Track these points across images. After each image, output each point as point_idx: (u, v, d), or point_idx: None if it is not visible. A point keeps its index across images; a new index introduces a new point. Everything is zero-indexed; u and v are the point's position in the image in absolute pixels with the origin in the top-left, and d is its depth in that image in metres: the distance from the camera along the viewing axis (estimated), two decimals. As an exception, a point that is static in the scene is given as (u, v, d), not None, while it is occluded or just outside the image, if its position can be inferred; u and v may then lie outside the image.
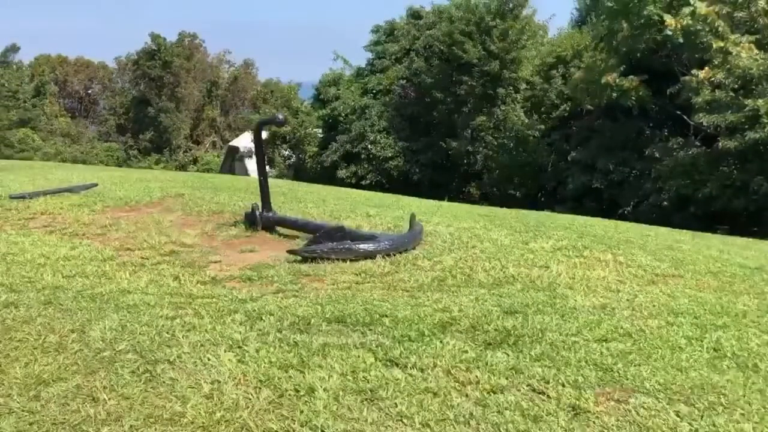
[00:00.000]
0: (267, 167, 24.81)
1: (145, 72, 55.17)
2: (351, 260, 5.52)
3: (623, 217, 15.19)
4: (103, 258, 5.61)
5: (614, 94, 17.23)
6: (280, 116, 6.49)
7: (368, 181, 23.30)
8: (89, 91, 65.02)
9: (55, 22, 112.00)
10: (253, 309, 4.20)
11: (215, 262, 5.73)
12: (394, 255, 5.70)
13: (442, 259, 5.61)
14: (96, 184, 9.48)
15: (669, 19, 15.39)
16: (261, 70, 61.74)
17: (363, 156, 24.36)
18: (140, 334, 3.70)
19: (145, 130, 55.48)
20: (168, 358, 3.37)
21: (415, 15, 27.79)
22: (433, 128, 24.31)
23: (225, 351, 3.49)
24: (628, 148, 18.47)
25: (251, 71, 61.97)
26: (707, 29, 14.87)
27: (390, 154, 23.92)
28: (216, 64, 60.75)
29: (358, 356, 3.46)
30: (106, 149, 54.35)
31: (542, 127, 22.39)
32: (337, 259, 5.50)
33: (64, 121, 59.00)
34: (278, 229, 6.95)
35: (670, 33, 15.32)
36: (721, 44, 14.96)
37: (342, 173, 24.19)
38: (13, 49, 60.06)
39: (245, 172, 38.65)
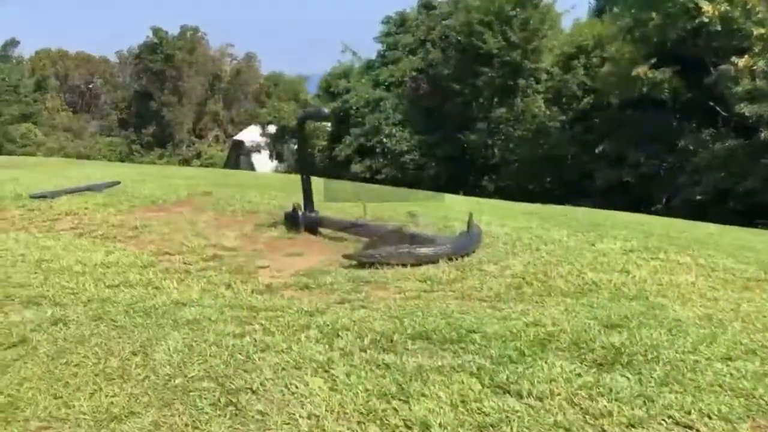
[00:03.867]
0: (274, 162, 24.40)
1: (147, 66, 54.60)
2: (412, 265, 5.11)
3: (657, 213, 14.76)
4: (143, 264, 5.21)
5: (645, 87, 16.75)
6: (325, 110, 6.08)
7: (383, 176, 22.79)
8: (90, 86, 64.40)
9: (55, 16, 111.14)
10: (326, 323, 3.80)
11: (263, 267, 5.34)
12: (456, 259, 5.30)
13: (510, 264, 5.20)
14: (118, 182, 9.07)
15: (706, 6, 14.85)
16: (263, 64, 60.92)
17: (378, 150, 23.81)
18: (211, 356, 3.30)
19: (148, 125, 54.96)
20: (250, 386, 2.98)
21: (427, 5, 27.19)
22: (449, 121, 23.76)
23: (311, 375, 3.10)
24: (658, 141, 17.97)
25: (253, 64, 61.36)
26: (746, 16, 14.34)
27: (406, 148, 23.35)
28: (218, 57, 60.16)
29: (462, 381, 3.06)
30: (109, 144, 53.91)
31: (563, 118, 21.89)
32: (398, 264, 5.10)
33: (66, 116, 58.50)
34: (321, 230, 6.55)
35: (706, 20, 14.79)
36: (762, 31, 14.42)
37: (356, 168, 23.64)
38: (13, 43, 59.58)
39: (251, 167, 38.24)
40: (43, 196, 8.04)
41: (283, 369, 3.17)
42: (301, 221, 6.47)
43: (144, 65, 55.15)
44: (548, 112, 22.16)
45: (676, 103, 17.95)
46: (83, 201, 7.90)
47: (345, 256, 5.27)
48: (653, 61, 17.44)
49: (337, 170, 22.44)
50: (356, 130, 24.40)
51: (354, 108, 25.34)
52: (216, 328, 3.68)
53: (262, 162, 31.69)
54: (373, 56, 28.34)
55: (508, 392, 2.99)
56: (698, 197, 15.96)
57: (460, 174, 22.95)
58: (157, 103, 53.95)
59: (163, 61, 53.78)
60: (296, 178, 12.68)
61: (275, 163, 30.06)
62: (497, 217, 7.23)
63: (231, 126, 58.13)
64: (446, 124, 23.94)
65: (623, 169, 18.39)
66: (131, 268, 5.04)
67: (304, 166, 6.74)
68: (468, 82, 23.03)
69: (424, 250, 5.17)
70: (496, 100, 22.96)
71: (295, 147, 29.26)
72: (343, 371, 3.14)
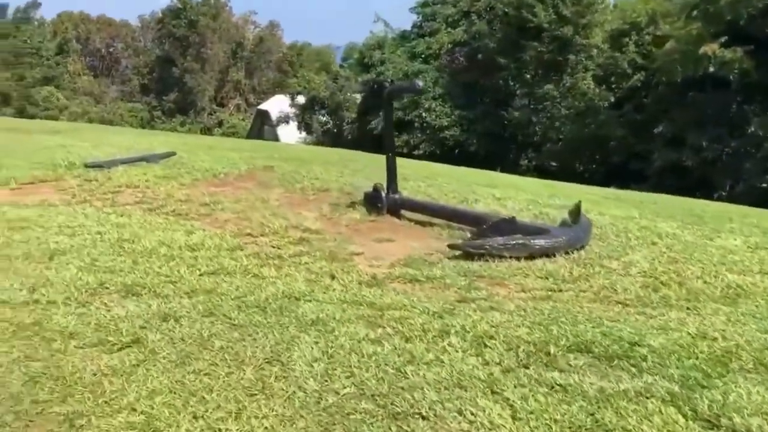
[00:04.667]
0: (302, 133, 23.88)
1: (170, 31, 53.96)
2: (525, 258, 4.66)
3: (720, 200, 14.16)
4: (230, 247, 4.79)
5: (712, 66, 15.95)
6: (419, 83, 5.55)
7: (421, 151, 22.07)
8: (111, 50, 63.83)
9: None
10: (464, 329, 3.37)
11: (357, 254, 4.90)
12: (571, 252, 4.83)
13: (632, 260, 4.73)
14: (174, 153, 8.65)
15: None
16: (286, 33, 60.11)
17: (416, 124, 23.02)
18: (355, 367, 2.87)
19: (169, 91, 54.48)
20: (418, 411, 2.55)
21: (470, -25, 26.12)
22: (490, 96, 22.96)
23: (481, 397, 2.66)
24: (720, 123, 17.17)
25: (276, 33, 60.53)
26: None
27: (446, 123, 22.55)
28: (241, 24, 59.37)
29: (660, 411, 2.63)
30: (130, 110, 53.51)
31: (612, 97, 21.07)
32: (511, 257, 4.64)
33: (87, 80, 58.17)
34: (404, 213, 6.09)
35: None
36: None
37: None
38: (34, 5, 58.98)
39: (275, 138, 37.71)
40: (99, 166, 7.63)
41: (446, 388, 2.74)
42: (385, 203, 6.01)
43: (167, 30, 54.51)
44: (597, 90, 21.31)
45: (740, 85, 17.12)
46: (141, 172, 7.49)
47: (451, 246, 4.81)
48: (723, 39, 16.60)
49: (373, 144, 21.70)
50: (394, 103, 23.55)
51: (388, 80, 24.59)
52: (346, 331, 3.25)
53: (289, 133, 31.10)
54: (408, 27, 27.46)
55: (718, 427, 2.55)
56: (765, 185, 15.24)
57: (500, 151, 22.18)
58: (180, 70, 53.42)
59: (186, 27, 53.13)
60: (346, 153, 12.24)
61: (303, 134, 29.48)
62: (588, 204, 6.72)
63: (253, 95, 57.57)
64: (487, 100, 23.13)
65: (683, 152, 17.58)
66: (220, 252, 4.62)
67: (390, 143, 6.24)
68: (513, 57, 22.15)
69: (540, 242, 4.71)
70: (542, 75, 22.04)
71: (324, 119, 28.78)
72: (516, 394, 2.71)
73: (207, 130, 51.52)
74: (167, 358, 2.89)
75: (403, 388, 2.72)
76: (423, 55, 25.76)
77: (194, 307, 3.48)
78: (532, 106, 22.20)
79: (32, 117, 42.97)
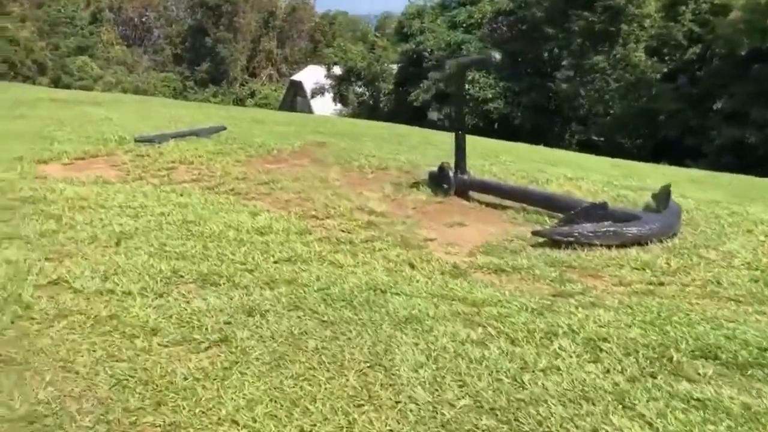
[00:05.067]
0: (338, 105, 23.48)
1: (203, 0, 53.57)
2: (616, 246, 4.34)
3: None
4: (299, 231, 4.54)
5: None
6: (496, 56, 5.20)
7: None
8: (143, 19, 63.74)
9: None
10: (570, 328, 3.09)
11: (430, 240, 4.62)
12: (664, 241, 4.50)
13: (731, 249, 4.38)
14: (224, 128, 8.41)
15: None
16: (317, 2, 59.40)
17: None
18: (465, 374, 2.61)
19: (202, 61, 54.29)
20: (548, 429, 2.28)
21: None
22: (536, 67, 22.20)
23: (612, 413, 2.38)
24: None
25: (308, 2, 59.78)
26: None
27: (490, 95, 21.87)
28: (273, -7, 58.69)
29: (821, 435, 2.31)
30: (163, 80, 53.47)
31: (665, 70, 20.22)
32: (601, 245, 4.32)
33: (120, 50, 58.21)
34: (472, 194, 5.79)
35: None
36: None
37: (434, 115, 22.31)
38: (68, -27, 59.02)
39: (309, 109, 37.39)
40: (149, 141, 7.43)
41: (571, 401, 2.46)
42: (453, 183, 5.71)
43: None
44: (649, 62, 20.41)
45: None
46: (193, 148, 7.27)
47: (535, 233, 4.50)
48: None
49: (410, 117, 21.23)
50: (435, 75, 22.89)
51: (428, 51, 23.92)
52: (445, 331, 2.99)
53: (323, 105, 30.68)
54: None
55: None
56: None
57: (544, 124, 21.48)
58: (212, 39, 53.12)
59: (219, -5, 52.65)
60: (397, 128, 11.90)
61: (339, 106, 29.03)
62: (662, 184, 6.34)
63: (285, 65, 57.17)
64: (532, 71, 22.36)
65: (745, 128, 16.78)
66: (289, 237, 4.38)
67: (461, 120, 5.92)
68: (561, 26, 21.29)
69: (632, 230, 4.38)
70: (592, 46, 21.10)
71: (360, 90, 28.33)
72: (651, 410, 2.42)
73: (239, 101, 51.36)
74: (260, 360, 2.65)
75: (524, 401, 2.45)
76: (464, 25, 24.97)
77: (278, 300, 3.24)
78: (579, 79, 21.37)
79: (67, 86, 43.23)
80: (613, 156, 13.73)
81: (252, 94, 52.80)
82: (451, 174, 5.72)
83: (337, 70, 28.36)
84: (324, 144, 7.93)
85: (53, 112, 10.04)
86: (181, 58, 57.26)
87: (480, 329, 3.04)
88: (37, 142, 7.22)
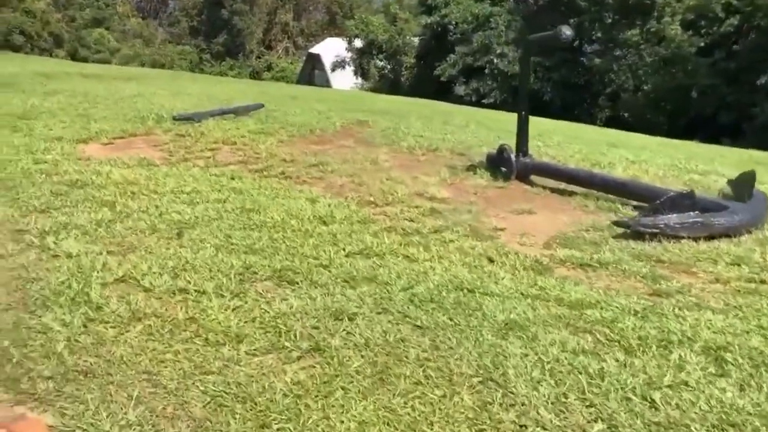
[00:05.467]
0: (359, 79, 22.97)
1: (219, -29, 52.83)
2: (704, 238, 4.06)
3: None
4: (361, 219, 4.30)
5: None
6: (567, 32, 4.86)
7: (492, 99, 20.94)
8: (158, -9, 63.07)
9: None
10: (684, 335, 2.83)
11: (500, 229, 4.37)
12: (752, 232, 4.21)
13: (828, 242, 4.08)
14: (262, 105, 8.15)
15: None
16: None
17: (487, 71, 21.75)
18: (591, 392, 2.36)
19: (218, 33, 53.73)
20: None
21: None
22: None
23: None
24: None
25: (325, -28, 58.81)
26: None
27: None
28: (289, -37, 57.79)
29: None
30: (180, 52, 53.04)
31: (702, 44, 19.56)
32: (688, 237, 4.04)
33: (136, 22, 57.75)
34: (533, 178, 5.51)
35: None
36: None
37: (460, 90, 21.75)
38: (83, -57, 58.38)
39: (327, 83, 36.89)
40: (188, 119, 7.19)
41: (715, 426, 2.21)
42: (514, 167, 5.42)
43: (215, -30, 53.36)
44: (685, 36, 19.71)
45: None
46: (234, 127, 7.02)
47: (617, 224, 4.23)
48: None
49: (435, 91, 20.74)
50: (462, 48, 22.20)
51: (453, 23, 23.27)
52: (552, 339, 2.74)
53: (342, 78, 30.17)
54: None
55: None
56: None
57: (575, 100, 20.90)
58: (228, 11, 52.48)
59: (234, -34, 51.89)
60: (439, 106, 11.55)
61: (359, 80, 28.52)
62: (725, 168, 6.03)
63: (301, 37, 56.51)
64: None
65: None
66: (353, 226, 4.13)
67: (524, 100, 5.60)
68: (593, -1, 20.65)
69: (721, 221, 4.09)
70: (625, 19, 20.41)
71: (381, 64, 27.81)
72: (808, 436, 2.17)
73: (255, 74, 50.91)
74: (361, 373, 2.42)
75: (662, 426, 2.20)
76: (489, -3, 24.24)
77: (363, 301, 3.00)
78: (611, 54, 20.70)
79: (84, 59, 42.95)
80: (645, 132, 13.34)
81: (269, 67, 52.29)
82: (512, 157, 5.44)
83: (358, 43, 27.84)
84: (366, 123, 7.65)
85: (85, 87, 9.81)
86: (197, 30, 56.70)
87: (589, 337, 2.79)
88: (75, 120, 7.00)
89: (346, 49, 28.16)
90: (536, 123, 7.31)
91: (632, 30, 20.44)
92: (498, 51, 21.29)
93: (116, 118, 7.23)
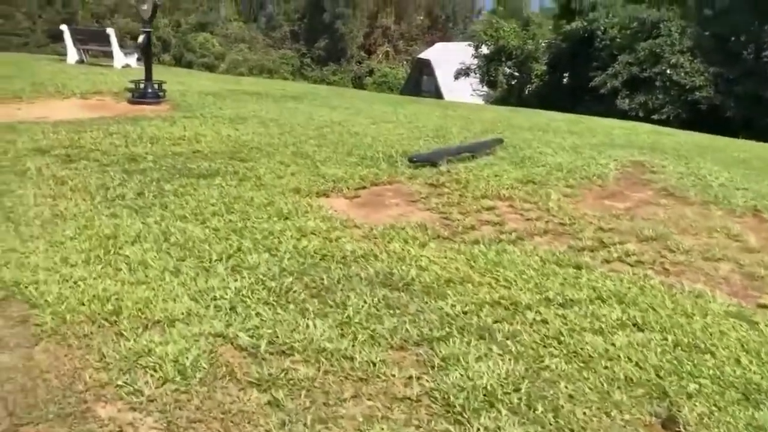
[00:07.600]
0: (486, 88, 20.81)
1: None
2: None
3: None
4: None
5: None
6: None
7: (663, 116, 18.52)
8: (258, -5, 63.41)
9: None
10: None
11: None
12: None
13: None
14: (501, 140, 6.70)
15: None
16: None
17: (658, 83, 19.23)
18: None
19: (319, 38, 53.31)
20: None
21: None
22: (753, 50, 18.85)
23: None
24: None
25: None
26: None
27: (699, 83, 18.63)
28: (390, -35, 56.80)
29: None
30: (281, 57, 52.97)
31: None
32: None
33: (238, 26, 58.20)
34: None
35: None
36: None
37: (623, 103, 19.40)
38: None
39: (436, 90, 35.28)
40: (427, 161, 5.81)
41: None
42: None
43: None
44: None
45: None
46: (492, 174, 5.55)
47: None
48: None
49: (564, 102, 18.64)
50: (626, 57, 19.77)
51: (601, 29, 20.91)
52: None
53: (456, 85, 28.26)
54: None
55: None
56: None
57: (756, 117, 18.20)
58: (330, 15, 51.96)
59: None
60: (685, 137, 9.76)
61: (484, 88, 26.46)
62: None
63: (402, 41, 55.42)
64: (748, 54, 18.96)
65: None
66: None
67: None
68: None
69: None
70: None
71: (509, 72, 25.90)
72: None
73: (357, 79, 50.19)
74: None
75: None
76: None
77: None
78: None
79: (189, 64, 43.23)
80: None
81: (370, 72, 51.46)
82: None
83: (484, 49, 25.94)
84: (642, 165, 6.07)
85: (264, 109, 8.62)
86: (296, 34, 56.49)
87: None
88: (295, 161, 5.73)
89: (473, 55, 26.40)
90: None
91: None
92: (671, 60, 18.90)
93: (340, 158, 5.93)
